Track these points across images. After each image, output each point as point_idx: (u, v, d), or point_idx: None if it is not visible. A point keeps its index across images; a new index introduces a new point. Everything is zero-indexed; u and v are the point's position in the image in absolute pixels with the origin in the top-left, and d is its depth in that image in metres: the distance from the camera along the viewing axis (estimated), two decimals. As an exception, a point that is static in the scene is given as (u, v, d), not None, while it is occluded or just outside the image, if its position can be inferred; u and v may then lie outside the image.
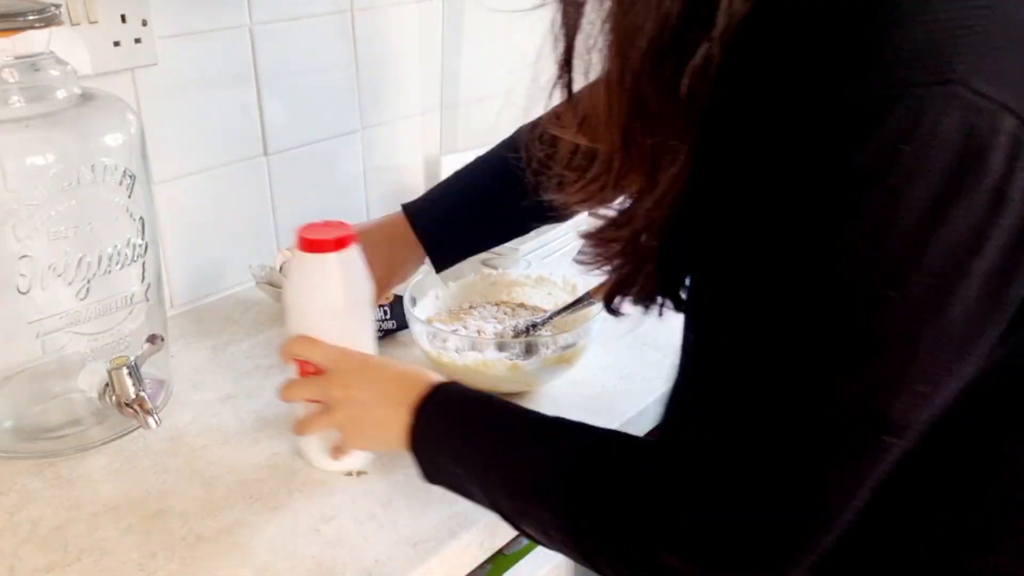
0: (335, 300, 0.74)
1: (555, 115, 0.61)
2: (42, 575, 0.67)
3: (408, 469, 0.79)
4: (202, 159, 1.06)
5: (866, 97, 0.40)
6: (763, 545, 0.48)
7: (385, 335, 1.00)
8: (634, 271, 0.57)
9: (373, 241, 0.85)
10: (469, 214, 0.90)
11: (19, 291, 0.74)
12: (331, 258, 0.72)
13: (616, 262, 0.58)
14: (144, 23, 0.95)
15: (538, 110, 0.58)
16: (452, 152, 1.34)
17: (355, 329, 0.76)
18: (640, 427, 0.89)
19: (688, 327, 0.50)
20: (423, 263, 0.92)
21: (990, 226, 0.41)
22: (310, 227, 0.74)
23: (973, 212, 0.41)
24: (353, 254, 0.74)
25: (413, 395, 0.65)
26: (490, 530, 0.74)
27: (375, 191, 1.28)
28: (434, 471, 0.65)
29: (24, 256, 0.74)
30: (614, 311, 0.62)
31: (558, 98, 0.55)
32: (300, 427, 0.75)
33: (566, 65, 0.53)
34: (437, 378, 0.67)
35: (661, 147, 0.49)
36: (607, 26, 0.48)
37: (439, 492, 0.76)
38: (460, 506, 0.74)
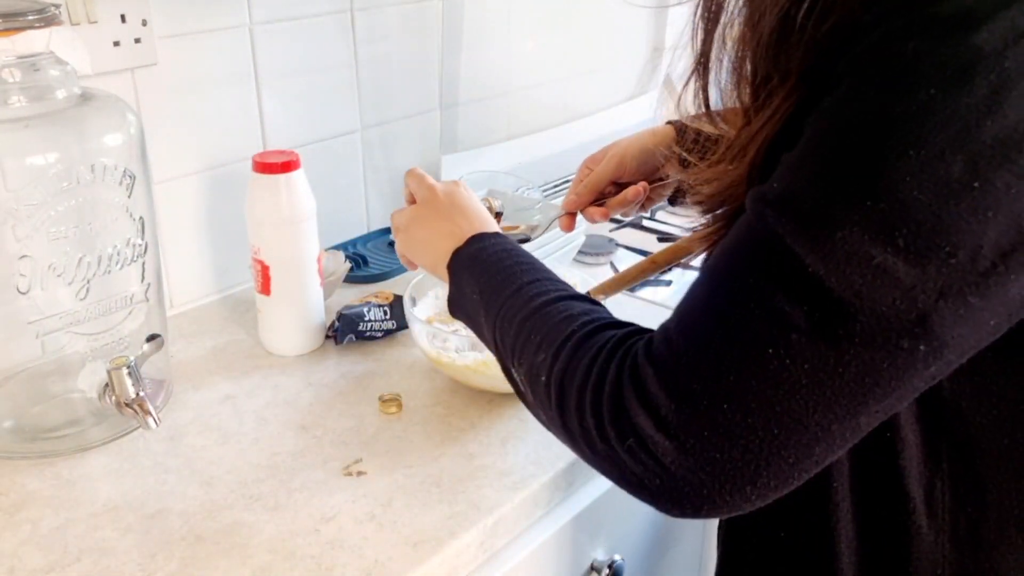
0: (281, 212, 0.92)
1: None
2: (42, 575, 0.67)
3: (408, 469, 0.79)
4: (202, 159, 1.06)
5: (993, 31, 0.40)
6: (744, 447, 0.45)
7: (385, 335, 1.00)
8: (717, 189, 0.55)
9: (632, 149, 0.90)
10: None
11: (19, 291, 0.74)
12: (279, 178, 0.92)
13: (718, 212, 0.56)
14: (144, 23, 0.95)
15: (672, 101, 0.59)
16: (452, 152, 1.34)
17: (300, 239, 0.94)
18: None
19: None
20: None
21: None
22: (263, 154, 0.93)
23: None
24: (297, 176, 0.93)
25: (474, 230, 0.72)
26: (490, 530, 0.74)
27: (374, 191, 1.28)
28: (458, 296, 0.70)
29: (24, 256, 0.74)
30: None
31: (692, 90, 0.55)
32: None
33: (703, 57, 0.53)
34: (484, 226, 0.73)
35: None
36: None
37: (439, 492, 0.76)
38: (460, 506, 0.74)
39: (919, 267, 0.41)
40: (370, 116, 1.23)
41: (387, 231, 1.28)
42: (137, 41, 0.95)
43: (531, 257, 0.68)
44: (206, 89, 1.04)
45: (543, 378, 0.56)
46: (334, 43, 1.16)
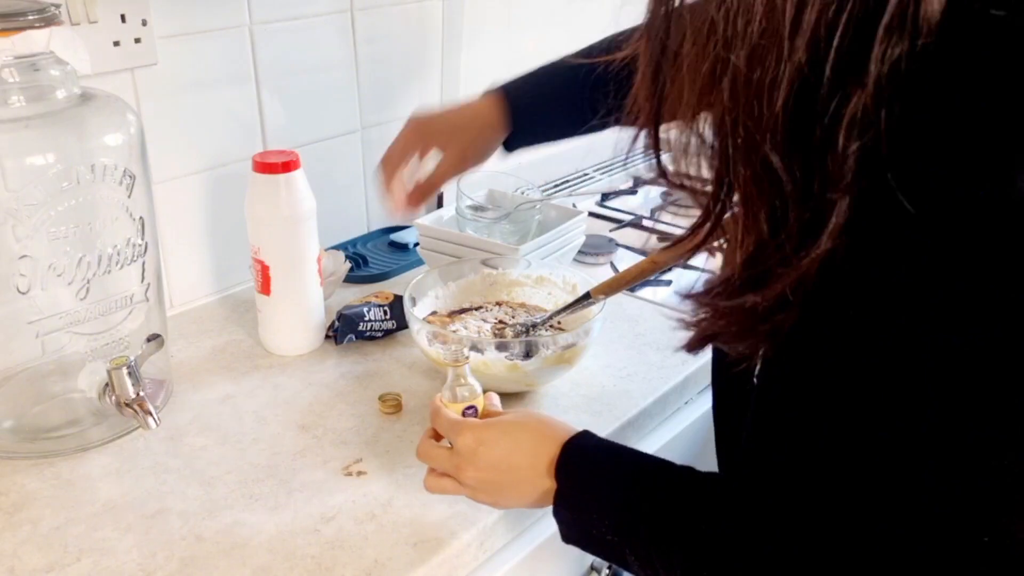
0: (281, 212, 0.92)
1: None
2: (42, 575, 0.67)
3: (408, 469, 0.79)
4: (202, 159, 1.06)
5: None
6: None
7: (385, 335, 1.00)
8: (736, 329, 0.51)
9: (451, 125, 0.94)
10: (553, 98, 0.91)
11: (19, 291, 0.74)
12: (279, 178, 0.92)
13: (721, 322, 0.51)
14: (144, 23, 0.95)
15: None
16: (452, 152, 1.34)
17: (300, 239, 0.94)
18: (640, 427, 0.89)
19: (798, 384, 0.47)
20: (498, 146, 0.97)
21: None
22: (263, 154, 0.93)
23: None
24: (297, 176, 0.93)
25: (546, 460, 0.64)
26: (490, 530, 0.74)
27: (375, 191, 1.28)
28: (573, 531, 0.64)
29: (24, 256, 0.74)
30: (695, 352, 0.58)
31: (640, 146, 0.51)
32: (433, 489, 0.71)
33: (653, 119, 0.49)
34: (561, 432, 0.66)
35: (792, 206, 0.44)
36: (728, 84, 0.43)
37: (439, 492, 0.76)
38: (460, 506, 0.74)
39: None
40: (370, 116, 1.23)
41: (387, 231, 1.28)
42: (137, 41, 0.95)
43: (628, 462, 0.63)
44: (206, 89, 1.04)
45: None
46: (334, 43, 1.16)
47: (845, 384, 0.46)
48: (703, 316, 0.51)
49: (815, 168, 0.42)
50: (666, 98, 0.48)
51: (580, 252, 1.21)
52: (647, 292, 1.17)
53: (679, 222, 1.39)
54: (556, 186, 1.50)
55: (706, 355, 0.85)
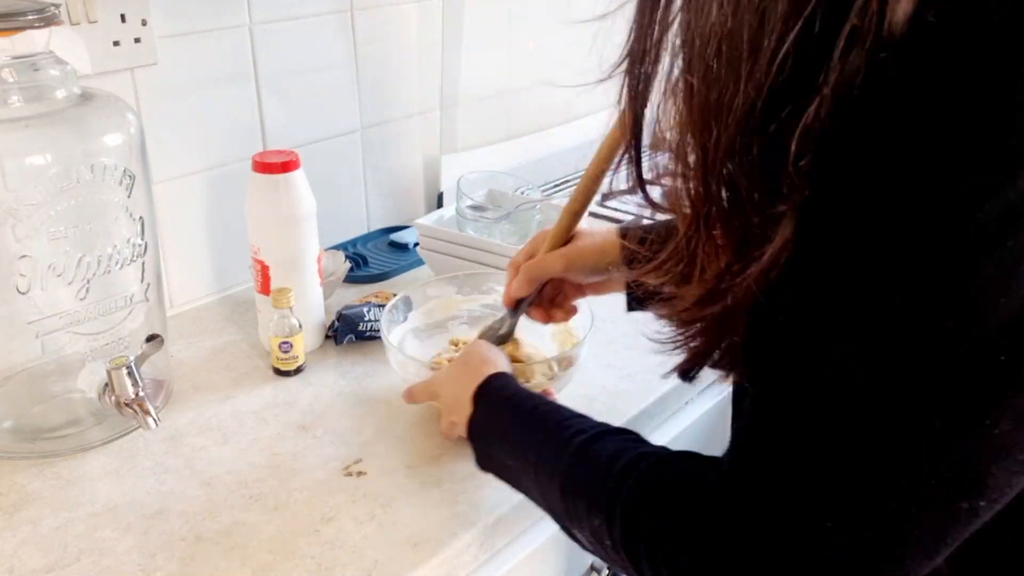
0: (281, 212, 0.93)
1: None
2: (42, 575, 0.67)
3: (408, 469, 0.79)
4: (202, 159, 1.06)
5: (996, 156, 0.38)
6: None
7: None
8: (715, 345, 0.53)
9: (585, 250, 0.88)
10: None
11: (19, 291, 0.74)
12: (279, 178, 0.92)
13: (697, 340, 0.54)
14: (144, 23, 0.95)
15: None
16: (452, 152, 1.34)
17: (299, 239, 0.94)
18: (640, 427, 0.89)
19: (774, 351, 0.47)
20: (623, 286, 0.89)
21: None
22: (263, 154, 0.93)
23: None
24: (296, 176, 0.93)
25: (474, 385, 0.72)
26: (490, 530, 0.74)
27: (375, 191, 1.28)
28: (487, 461, 0.70)
29: (24, 256, 0.74)
30: (691, 379, 0.59)
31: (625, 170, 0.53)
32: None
33: (634, 142, 0.51)
34: (493, 369, 0.73)
35: (754, 222, 0.45)
36: (686, 106, 0.45)
37: (439, 492, 0.76)
38: (460, 506, 0.74)
39: None
40: (370, 116, 1.23)
41: (387, 231, 1.28)
42: (137, 41, 0.95)
43: (532, 402, 0.68)
44: (206, 89, 1.04)
45: (608, 542, 0.55)
46: (334, 43, 1.16)
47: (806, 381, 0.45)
48: (682, 333, 0.54)
49: (768, 182, 0.44)
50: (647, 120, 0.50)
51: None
52: (647, 292, 1.16)
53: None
54: (556, 186, 1.50)
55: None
